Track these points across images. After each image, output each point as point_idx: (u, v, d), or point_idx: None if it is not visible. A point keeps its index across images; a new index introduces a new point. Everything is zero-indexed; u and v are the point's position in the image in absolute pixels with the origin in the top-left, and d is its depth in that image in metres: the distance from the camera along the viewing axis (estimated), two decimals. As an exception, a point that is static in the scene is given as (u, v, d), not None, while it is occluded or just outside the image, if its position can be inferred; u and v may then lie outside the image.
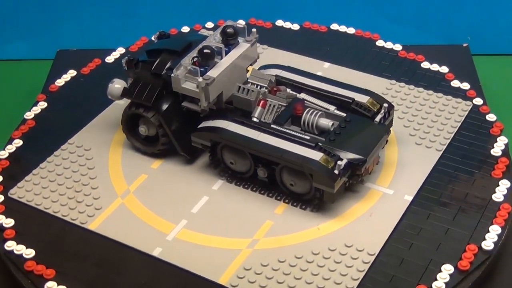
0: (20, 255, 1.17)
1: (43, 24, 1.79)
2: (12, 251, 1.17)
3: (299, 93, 1.30)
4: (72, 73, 1.52)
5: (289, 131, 1.23)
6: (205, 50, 1.25)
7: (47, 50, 1.70)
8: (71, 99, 1.46)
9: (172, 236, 1.19)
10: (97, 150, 1.34)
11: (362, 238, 1.17)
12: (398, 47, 1.55)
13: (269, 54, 1.54)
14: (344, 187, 1.21)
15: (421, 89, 1.44)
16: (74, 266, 1.15)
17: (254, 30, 1.32)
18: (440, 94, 1.42)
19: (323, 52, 1.55)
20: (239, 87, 1.26)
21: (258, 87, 1.28)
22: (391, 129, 1.29)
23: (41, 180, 1.29)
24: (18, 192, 1.27)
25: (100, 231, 1.20)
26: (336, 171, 1.17)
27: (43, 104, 1.45)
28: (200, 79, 1.22)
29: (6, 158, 1.34)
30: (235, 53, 1.28)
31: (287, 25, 1.64)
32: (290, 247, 1.16)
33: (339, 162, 1.17)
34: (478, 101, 1.41)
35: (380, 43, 1.57)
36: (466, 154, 1.31)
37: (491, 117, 1.38)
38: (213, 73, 1.24)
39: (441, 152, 1.31)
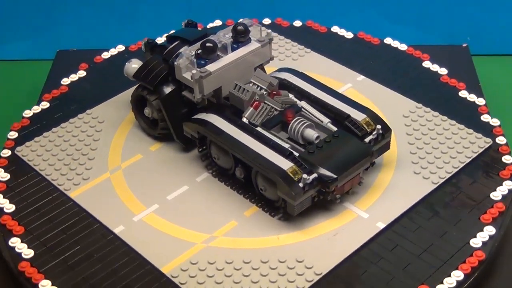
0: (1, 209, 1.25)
1: (42, 24, 1.81)
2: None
3: (300, 101, 1.29)
4: (120, 48, 1.58)
5: (270, 137, 1.22)
6: (207, 44, 1.26)
7: (47, 50, 1.71)
8: (107, 72, 1.53)
9: (138, 218, 1.22)
10: (108, 124, 1.40)
11: (316, 255, 1.15)
12: (443, 70, 1.49)
13: (308, 59, 1.53)
14: (312, 201, 1.19)
15: (445, 117, 1.37)
16: (42, 228, 1.21)
17: (269, 31, 1.31)
18: (462, 126, 1.35)
19: (366, 64, 1.52)
20: (236, 85, 1.26)
21: (258, 88, 1.27)
22: (390, 151, 1.26)
23: (48, 143, 1.36)
24: (24, 150, 1.35)
25: (77, 200, 1.25)
26: (300, 184, 1.15)
27: (82, 73, 1.52)
28: (195, 71, 1.24)
29: (28, 117, 1.42)
30: (241, 51, 1.29)
31: (342, 32, 1.61)
32: (243, 251, 1.16)
33: (305, 176, 1.15)
34: (480, 101, 1.40)
35: (426, 64, 1.51)
36: (462, 193, 1.24)
37: (507, 158, 1.30)
38: (211, 67, 1.25)
39: (436, 186, 1.25)
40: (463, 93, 1.43)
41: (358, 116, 1.25)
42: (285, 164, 1.17)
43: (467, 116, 1.38)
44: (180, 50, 1.30)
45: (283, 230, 1.19)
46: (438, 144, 1.32)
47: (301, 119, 1.23)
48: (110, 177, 1.29)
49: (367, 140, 1.22)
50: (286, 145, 1.21)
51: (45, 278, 1.13)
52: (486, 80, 1.49)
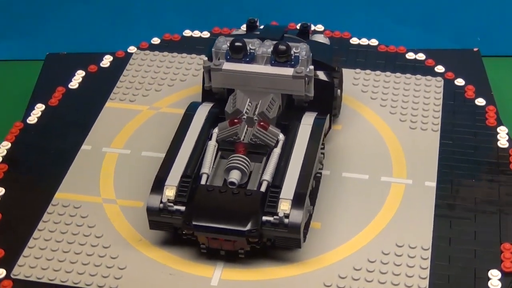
0: None
1: (31, 24, 1.69)
2: None
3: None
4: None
5: (207, 154, 1.15)
6: (236, 43, 1.20)
7: (36, 51, 1.61)
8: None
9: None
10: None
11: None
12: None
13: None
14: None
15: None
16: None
17: (312, 69, 1.19)
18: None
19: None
20: (237, 92, 1.20)
21: (251, 110, 1.19)
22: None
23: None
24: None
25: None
26: (161, 204, 1.09)
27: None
28: (205, 59, 1.20)
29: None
30: (268, 69, 1.20)
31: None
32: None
33: (171, 203, 1.09)
34: (439, 68, 1.43)
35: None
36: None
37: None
38: (227, 65, 1.20)
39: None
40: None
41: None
42: (171, 180, 1.11)
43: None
44: (219, 39, 1.23)
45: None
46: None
47: (241, 159, 1.13)
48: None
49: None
50: (206, 169, 1.14)
51: None
52: (497, 82, 1.47)
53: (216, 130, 1.19)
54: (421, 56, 1.47)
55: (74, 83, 1.44)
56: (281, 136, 1.18)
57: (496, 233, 1.15)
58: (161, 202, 1.09)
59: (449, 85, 1.40)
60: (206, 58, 1.22)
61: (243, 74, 1.20)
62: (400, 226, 1.16)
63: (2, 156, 1.30)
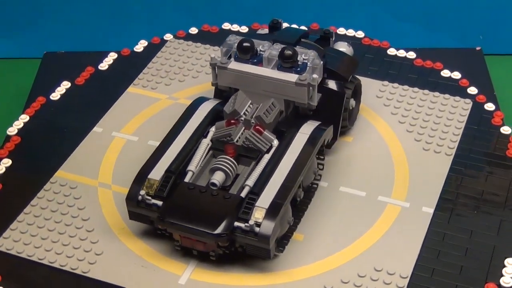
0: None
1: (28, 21, 1.67)
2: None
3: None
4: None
5: (198, 151, 1.15)
6: (244, 43, 1.19)
7: (33, 49, 1.61)
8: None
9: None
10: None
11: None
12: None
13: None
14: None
15: (416, 89, 1.37)
16: None
17: (316, 77, 1.17)
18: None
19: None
20: (237, 93, 1.19)
21: (250, 113, 1.18)
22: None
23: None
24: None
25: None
26: (140, 196, 1.10)
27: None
28: (213, 56, 1.20)
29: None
30: (273, 73, 1.18)
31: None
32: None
33: (149, 196, 1.09)
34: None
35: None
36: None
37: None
38: (234, 65, 1.19)
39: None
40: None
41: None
42: (155, 173, 1.11)
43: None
44: (230, 38, 1.22)
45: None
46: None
47: (227, 161, 1.12)
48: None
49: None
50: (193, 166, 1.12)
51: None
52: (499, 81, 1.44)
53: (213, 129, 1.18)
54: (456, 75, 1.40)
55: (104, 64, 1.46)
56: (275, 142, 1.16)
57: (484, 271, 1.09)
58: (140, 194, 1.09)
59: (477, 109, 1.34)
60: (213, 55, 1.21)
61: (247, 75, 1.19)
62: (383, 250, 1.12)
63: (18, 129, 1.33)
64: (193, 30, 1.53)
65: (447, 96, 1.35)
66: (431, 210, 1.17)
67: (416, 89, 1.37)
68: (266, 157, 1.14)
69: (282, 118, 1.20)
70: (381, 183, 1.21)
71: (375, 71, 1.42)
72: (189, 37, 1.52)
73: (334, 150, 1.26)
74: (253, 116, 1.17)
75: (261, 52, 1.20)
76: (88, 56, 1.49)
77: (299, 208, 1.16)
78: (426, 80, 1.40)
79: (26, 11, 1.66)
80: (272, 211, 1.06)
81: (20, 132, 1.33)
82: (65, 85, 1.42)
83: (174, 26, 1.54)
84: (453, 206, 1.18)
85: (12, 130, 1.33)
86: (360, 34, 1.51)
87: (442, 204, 1.18)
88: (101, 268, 1.11)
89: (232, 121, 1.17)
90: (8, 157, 1.28)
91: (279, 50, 1.18)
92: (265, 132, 1.15)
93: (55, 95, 1.40)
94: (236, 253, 1.10)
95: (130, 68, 1.45)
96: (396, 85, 1.38)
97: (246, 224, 1.05)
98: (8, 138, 1.32)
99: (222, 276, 1.09)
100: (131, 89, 1.40)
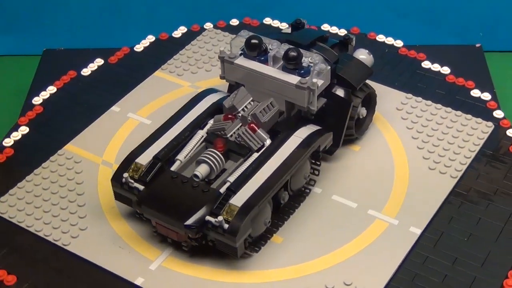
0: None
1: (28, 19, 1.69)
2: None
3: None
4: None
5: (191, 141, 1.16)
6: (252, 40, 1.19)
7: (33, 46, 1.63)
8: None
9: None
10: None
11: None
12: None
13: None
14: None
15: (439, 105, 1.33)
16: None
17: (316, 82, 1.16)
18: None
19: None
20: (240, 89, 1.18)
21: (248, 110, 1.17)
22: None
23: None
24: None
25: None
26: (124, 179, 1.12)
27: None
28: (222, 49, 1.21)
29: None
30: (277, 73, 1.18)
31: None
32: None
33: (132, 180, 1.12)
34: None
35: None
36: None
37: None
38: (240, 60, 1.20)
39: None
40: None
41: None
42: (143, 158, 1.13)
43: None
44: (242, 33, 1.22)
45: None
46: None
47: (213, 155, 1.12)
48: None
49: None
50: (182, 155, 1.14)
51: None
52: (499, 78, 1.42)
53: (211, 121, 1.19)
54: (486, 96, 1.35)
55: (139, 46, 1.49)
56: (268, 142, 1.15)
57: (457, 301, 1.05)
58: (124, 176, 1.12)
59: (497, 133, 1.28)
60: (222, 49, 1.21)
61: (251, 72, 1.18)
62: (358, 264, 1.09)
63: (43, 99, 1.38)
64: (234, 22, 1.54)
65: (469, 116, 1.31)
66: (418, 231, 1.13)
67: (439, 105, 1.33)
68: (254, 156, 1.14)
69: (282, 119, 1.19)
70: (376, 197, 1.19)
71: (403, 82, 1.39)
72: (228, 28, 1.53)
73: (336, 158, 1.24)
74: (249, 114, 1.16)
75: (270, 51, 1.20)
76: (85, 53, 1.51)
77: (285, 211, 1.16)
78: (454, 97, 1.36)
79: (26, 9, 1.68)
80: (244, 211, 1.06)
81: (44, 102, 1.38)
82: (98, 62, 1.46)
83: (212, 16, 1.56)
84: (444, 230, 1.14)
85: (38, 100, 1.37)
86: (399, 43, 1.48)
87: (433, 226, 1.14)
88: (81, 243, 1.14)
89: (230, 116, 1.17)
90: (26, 125, 1.33)
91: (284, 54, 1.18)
92: (258, 131, 1.15)
93: (86, 71, 1.44)
94: (209, 248, 1.10)
95: (164, 53, 1.48)
96: (419, 99, 1.34)
97: (216, 219, 1.05)
98: (31, 106, 1.36)
99: (192, 268, 1.10)
100: (158, 73, 1.43)
